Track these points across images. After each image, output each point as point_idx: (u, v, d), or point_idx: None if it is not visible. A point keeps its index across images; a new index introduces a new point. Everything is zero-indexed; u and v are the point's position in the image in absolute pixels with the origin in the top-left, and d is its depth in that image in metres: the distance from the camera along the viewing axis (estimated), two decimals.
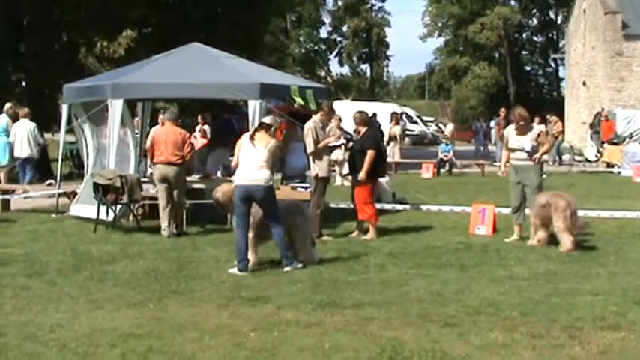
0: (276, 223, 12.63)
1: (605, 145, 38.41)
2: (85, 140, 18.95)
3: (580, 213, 16.39)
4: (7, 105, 24.78)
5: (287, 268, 12.40)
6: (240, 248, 12.43)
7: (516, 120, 15.38)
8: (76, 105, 18.83)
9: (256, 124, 14.58)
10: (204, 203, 16.12)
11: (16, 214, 19.17)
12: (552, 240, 14.48)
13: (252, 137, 12.75)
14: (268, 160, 12.58)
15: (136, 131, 20.51)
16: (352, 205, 16.29)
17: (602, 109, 45.58)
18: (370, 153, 15.72)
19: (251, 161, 12.56)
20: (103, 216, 16.47)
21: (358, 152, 15.87)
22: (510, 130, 15.61)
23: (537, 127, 15.75)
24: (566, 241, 14.12)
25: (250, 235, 12.59)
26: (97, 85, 18.21)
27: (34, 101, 31.98)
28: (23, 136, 23.55)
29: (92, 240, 15.43)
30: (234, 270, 12.29)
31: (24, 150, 23.47)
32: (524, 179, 15.20)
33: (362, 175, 15.74)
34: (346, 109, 30.64)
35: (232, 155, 14.28)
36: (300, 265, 12.50)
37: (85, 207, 17.62)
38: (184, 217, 16.54)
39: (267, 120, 13.08)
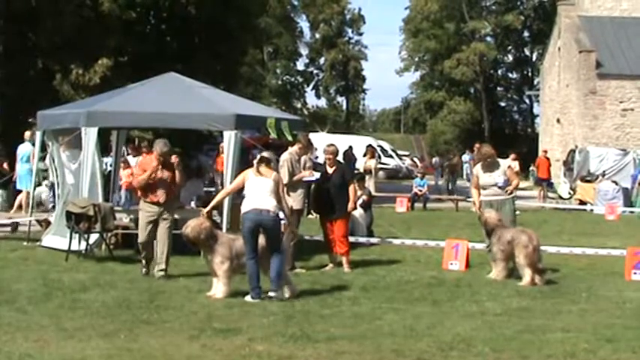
0: (279, 252, 12.77)
1: (579, 183, 38.60)
2: (57, 169, 18.86)
3: (552, 250, 16.51)
4: (28, 133, 24.93)
5: (272, 294, 12.53)
6: (251, 277, 12.56)
7: (484, 158, 15.55)
8: (49, 132, 18.74)
9: (231, 154, 14.68)
10: (177, 234, 16.02)
11: None
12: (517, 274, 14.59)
13: (257, 170, 12.96)
14: (275, 190, 12.85)
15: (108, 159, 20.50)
16: (324, 239, 16.28)
17: (576, 147, 45.81)
18: (353, 185, 15.95)
19: (260, 191, 12.79)
20: (75, 246, 16.35)
21: (338, 185, 15.88)
22: (479, 169, 15.75)
23: (504, 162, 15.89)
24: (526, 276, 14.34)
25: (226, 265, 12.62)
26: (72, 113, 18.14)
27: (7, 127, 31.78)
28: None
29: (64, 268, 15.32)
30: (248, 298, 12.46)
31: None
32: (502, 213, 15.26)
33: (350, 206, 15.86)
34: (322, 142, 30.66)
35: (206, 185, 14.38)
36: (287, 296, 12.59)
37: (57, 238, 17.51)
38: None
39: (266, 154, 13.32)
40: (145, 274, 14.69)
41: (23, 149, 21.97)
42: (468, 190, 37.06)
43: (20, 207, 23.09)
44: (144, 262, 14.85)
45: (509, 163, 15.78)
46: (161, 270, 14.47)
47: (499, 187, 15.34)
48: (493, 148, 15.97)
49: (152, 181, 14.62)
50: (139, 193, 14.98)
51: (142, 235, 14.73)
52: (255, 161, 13.24)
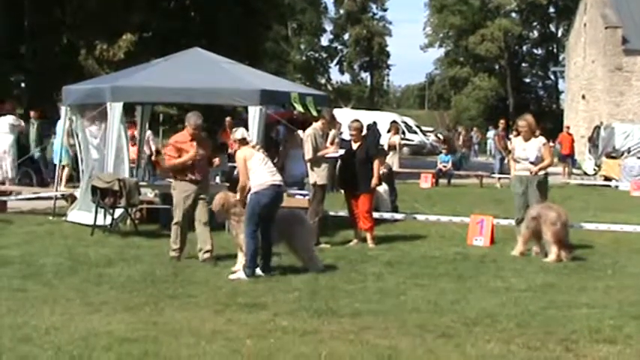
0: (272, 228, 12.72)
1: (604, 159, 38.45)
2: (82, 144, 18.90)
3: (577, 226, 16.44)
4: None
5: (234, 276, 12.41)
6: (253, 254, 12.44)
7: (522, 128, 15.38)
8: (74, 107, 18.78)
9: (256, 130, 14.59)
10: None
11: (12, 216, 19.10)
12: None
13: (253, 148, 12.93)
14: None
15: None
16: (349, 214, 16.29)
17: (601, 123, 45.60)
18: (378, 160, 16.00)
19: (272, 166, 12.88)
20: (100, 220, 16.41)
21: (362, 161, 15.87)
22: (516, 141, 15.63)
23: (542, 138, 15.76)
24: (552, 253, 14.30)
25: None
26: (97, 88, 18.17)
27: (33, 102, 31.96)
28: None
29: (89, 243, 15.38)
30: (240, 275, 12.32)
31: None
32: (529, 190, 15.20)
33: (374, 182, 15.87)
34: (346, 118, 30.60)
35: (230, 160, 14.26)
36: (243, 277, 12.30)
37: (83, 213, 17.58)
38: None
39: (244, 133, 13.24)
40: (177, 259, 13.69)
41: (60, 124, 22.07)
42: (492, 165, 37.12)
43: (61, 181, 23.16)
44: (176, 245, 13.78)
45: (545, 140, 15.61)
46: (206, 252, 13.64)
47: (531, 163, 15.23)
48: (535, 121, 15.75)
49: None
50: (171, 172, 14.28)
51: (178, 215, 13.83)
52: (241, 139, 13.00)
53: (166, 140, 42.91)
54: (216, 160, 13.91)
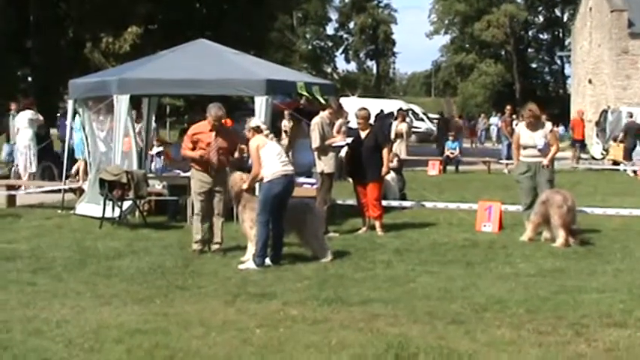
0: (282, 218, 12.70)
1: (611, 143, 38.37)
2: (89, 137, 18.93)
3: (586, 210, 16.42)
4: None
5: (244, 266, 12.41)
6: (264, 244, 12.44)
7: (528, 115, 15.36)
8: (81, 100, 18.80)
9: (262, 119, 14.51)
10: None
11: (21, 210, 19.16)
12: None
13: (266, 136, 12.88)
14: None
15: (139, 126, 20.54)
16: (357, 203, 16.29)
17: (608, 107, 45.51)
18: (387, 148, 16.01)
19: (283, 155, 12.84)
20: (108, 213, 16.43)
21: (371, 149, 15.85)
22: (521, 127, 15.61)
23: (548, 125, 15.74)
24: (560, 237, 14.27)
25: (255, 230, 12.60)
26: (103, 81, 18.19)
27: (39, 96, 32.01)
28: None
29: (98, 236, 15.40)
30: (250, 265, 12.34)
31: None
32: (538, 176, 15.19)
33: (384, 170, 15.87)
34: (352, 106, 30.59)
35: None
36: (252, 266, 12.31)
37: (91, 206, 17.59)
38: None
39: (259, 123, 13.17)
40: (200, 252, 13.51)
41: (77, 119, 22.16)
42: (499, 152, 37.09)
43: (77, 174, 23.23)
44: (198, 237, 13.60)
45: (551, 127, 15.63)
46: (216, 244, 13.69)
47: (538, 150, 15.21)
48: (539, 109, 15.75)
49: (206, 150, 13.63)
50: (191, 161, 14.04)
51: (196, 206, 13.80)
52: (255, 128, 12.88)
53: (174, 132, 43.01)
54: (244, 148, 13.67)
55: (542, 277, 11.67)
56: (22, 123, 23.77)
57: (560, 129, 31.51)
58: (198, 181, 13.75)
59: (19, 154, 23.60)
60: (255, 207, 12.66)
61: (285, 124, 25.13)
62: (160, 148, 22.83)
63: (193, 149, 13.78)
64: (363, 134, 16.06)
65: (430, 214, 18.17)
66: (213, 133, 13.71)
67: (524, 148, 15.36)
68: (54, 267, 12.34)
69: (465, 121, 58.90)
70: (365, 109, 16.59)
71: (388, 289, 10.83)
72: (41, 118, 24.60)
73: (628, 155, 35.05)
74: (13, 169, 24.09)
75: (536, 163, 15.22)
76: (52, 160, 24.38)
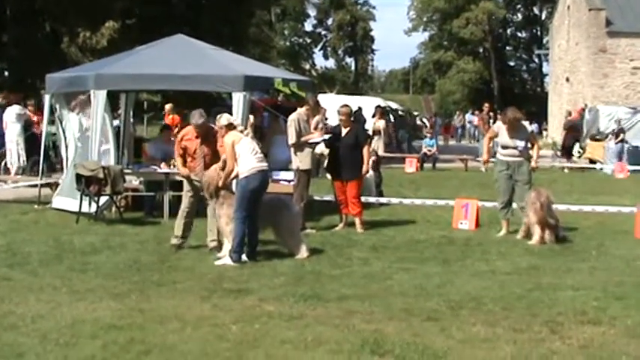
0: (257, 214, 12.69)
1: (588, 141, 38.50)
2: (65, 131, 18.85)
3: (562, 208, 16.48)
4: None
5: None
6: (242, 239, 12.43)
7: (509, 122, 15.29)
8: (58, 95, 18.73)
9: (240, 116, 14.51)
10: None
11: None
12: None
13: (241, 131, 12.87)
14: None
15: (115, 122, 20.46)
16: (335, 199, 16.29)
17: (586, 105, 45.68)
18: (367, 146, 16.07)
19: (258, 152, 12.79)
20: (85, 208, 16.39)
21: (350, 146, 15.85)
22: (502, 127, 15.55)
23: (529, 127, 15.78)
24: (535, 234, 14.37)
25: (231, 227, 12.55)
26: (80, 76, 18.13)
27: (15, 90, 31.83)
28: None
29: (74, 231, 15.36)
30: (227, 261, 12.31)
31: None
32: (516, 174, 15.22)
33: (365, 169, 15.89)
34: (330, 103, 30.58)
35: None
36: (229, 262, 12.33)
37: (67, 200, 17.54)
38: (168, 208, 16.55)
39: (230, 118, 13.15)
40: (177, 248, 13.57)
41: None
42: (476, 149, 37.18)
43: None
44: (179, 232, 13.69)
45: (531, 129, 15.66)
46: (213, 240, 13.49)
47: (519, 150, 15.24)
48: (519, 112, 15.71)
49: (192, 156, 13.83)
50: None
51: (185, 202, 13.89)
52: (228, 125, 12.83)
53: (151, 128, 42.87)
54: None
55: (518, 274, 11.71)
56: (10, 118, 23.82)
57: (534, 126, 31.60)
58: (187, 182, 13.96)
59: (7, 149, 23.63)
60: (232, 204, 12.64)
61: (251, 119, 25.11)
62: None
63: (183, 155, 13.93)
64: (344, 131, 16.05)
65: (407, 211, 18.22)
66: (198, 140, 13.81)
67: (504, 147, 15.39)
68: (30, 262, 12.30)
69: (437, 118, 59.14)
70: (347, 105, 16.59)
71: (364, 286, 10.84)
72: (28, 113, 24.59)
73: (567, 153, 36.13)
74: (1, 164, 24.12)
75: (516, 162, 15.26)
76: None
